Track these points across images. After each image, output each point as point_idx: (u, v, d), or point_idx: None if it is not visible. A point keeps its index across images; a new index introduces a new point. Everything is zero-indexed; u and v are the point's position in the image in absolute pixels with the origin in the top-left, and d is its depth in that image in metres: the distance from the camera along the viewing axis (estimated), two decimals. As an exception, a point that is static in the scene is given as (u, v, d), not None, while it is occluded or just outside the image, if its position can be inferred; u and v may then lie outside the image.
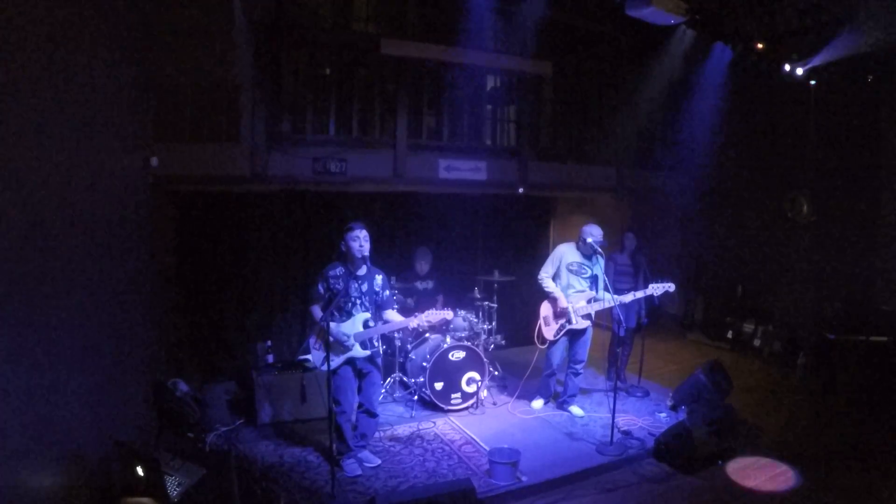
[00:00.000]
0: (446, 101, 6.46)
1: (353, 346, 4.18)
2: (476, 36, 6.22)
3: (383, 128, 6.09)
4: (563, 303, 5.24)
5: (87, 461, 3.26)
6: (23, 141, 2.67)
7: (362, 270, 4.25)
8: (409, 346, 5.80)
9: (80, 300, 3.33)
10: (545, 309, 5.41)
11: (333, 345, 4.10)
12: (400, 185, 6.27)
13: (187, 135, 5.13)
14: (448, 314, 4.38)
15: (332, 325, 4.09)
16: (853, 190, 7.28)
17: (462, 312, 5.99)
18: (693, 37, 6.73)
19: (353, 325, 4.20)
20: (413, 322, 4.30)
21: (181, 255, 5.96)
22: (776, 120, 7.82)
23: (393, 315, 4.40)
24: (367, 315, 4.26)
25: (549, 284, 5.34)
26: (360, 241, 4.13)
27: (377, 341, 4.48)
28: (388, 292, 4.39)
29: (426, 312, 4.31)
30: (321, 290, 4.22)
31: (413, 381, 5.60)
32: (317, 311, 4.24)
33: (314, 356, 4.34)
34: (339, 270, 4.21)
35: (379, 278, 4.33)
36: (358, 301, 4.23)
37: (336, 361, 4.16)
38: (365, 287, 4.26)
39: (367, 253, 4.13)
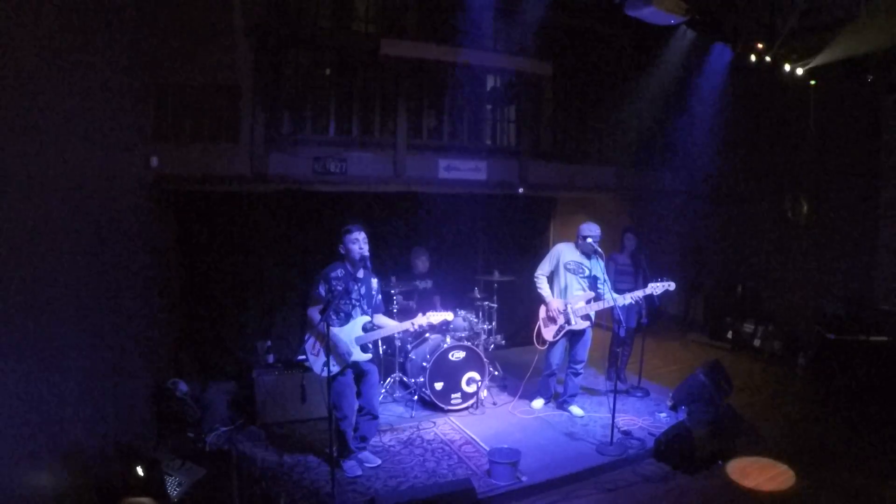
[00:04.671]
0: (446, 101, 6.45)
1: (353, 353, 4.17)
2: (476, 36, 6.21)
3: (383, 128, 6.09)
4: (553, 305, 5.23)
5: (88, 461, 3.26)
6: (23, 140, 2.68)
7: (361, 273, 4.24)
8: (409, 347, 5.80)
9: (79, 300, 3.33)
10: (545, 310, 5.40)
11: (334, 353, 4.06)
12: (400, 185, 6.27)
13: (187, 135, 5.14)
14: (449, 315, 4.38)
15: (333, 330, 4.05)
16: (853, 190, 7.28)
17: (462, 312, 5.99)
18: (693, 37, 6.73)
19: (353, 329, 4.18)
20: (415, 324, 4.29)
21: (181, 254, 5.96)
22: (776, 120, 7.82)
23: (384, 320, 4.38)
24: (367, 318, 4.24)
25: (542, 285, 5.33)
26: (360, 242, 4.12)
27: (373, 343, 4.46)
28: (381, 297, 4.39)
29: (427, 314, 4.29)
30: (322, 292, 4.13)
31: (413, 381, 5.60)
32: (315, 314, 4.12)
33: (312, 362, 4.24)
34: (340, 272, 4.19)
35: (374, 282, 4.32)
36: (357, 304, 4.22)
37: (336, 369, 4.13)
38: (363, 290, 4.25)
39: (366, 254, 4.12)
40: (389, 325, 4.36)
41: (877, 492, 4.15)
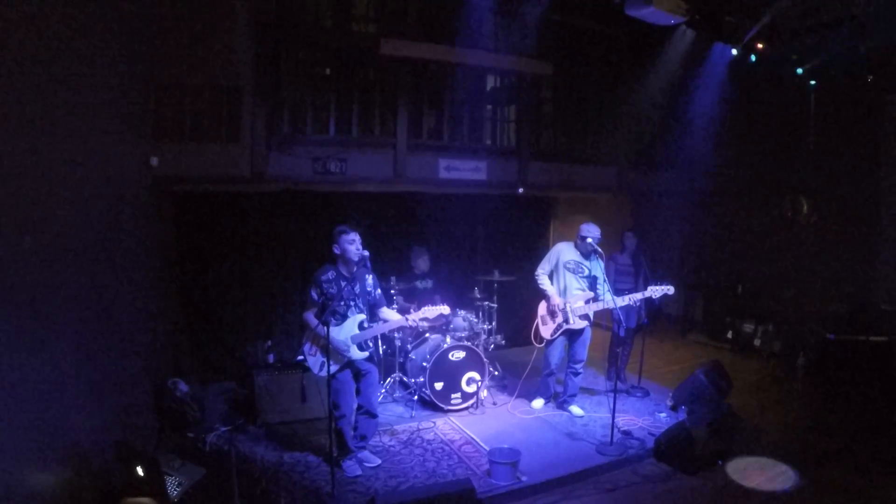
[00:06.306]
0: (446, 101, 6.45)
1: (350, 351, 4.17)
2: (476, 36, 6.20)
3: (383, 128, 6.08)
4: (555, 300, 5.23)
5: (87, 461, 3.26)
6: (23, 140, 2.68)
7: (355, 271, 4.22)
8: (409, 346, 5.80)
9: (79, 300, 3.33)
10: (543, 308, 5.41)
11: (331, 352, 4.06)
12: (400, 185, 6.27)
13: (187, 135, 5.13)
14: (445, 309, 4.36)
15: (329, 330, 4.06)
16: (853, 190, 7.29)
17: (462, 312, 5.99)
18: (693, 37, 6.73)
19: (350, 328, 4.18)
20: (410, 319, 4.29)
21: (181, 254, 5.96)
22: (776, 120, 7.83)
23: (389, 313, 4.40)
24: (363, 316, 4.24)
25: (543, 281, 5.33)
26: (357, 243, 4.10)
27: (372, 341, 4.46)
28: (379, 291, 4.38)
29: (423, 309, 4.30)
30: (315, 296, 4.16)
31: (413, 381, 5.60)
32: (311, 318, 4.16)
33: (311, 362, 4.27)
34: (331, 274, 4.17)
35: (370, 278, 4.30)
36: (352, 303, 4.21)
37: (334, 368, 4.14)
38: (358, 288, 4.23)
39: (365, 254, 4.09)
40: (391, 319, 4.35)
41: (877, 492, 4.15)
